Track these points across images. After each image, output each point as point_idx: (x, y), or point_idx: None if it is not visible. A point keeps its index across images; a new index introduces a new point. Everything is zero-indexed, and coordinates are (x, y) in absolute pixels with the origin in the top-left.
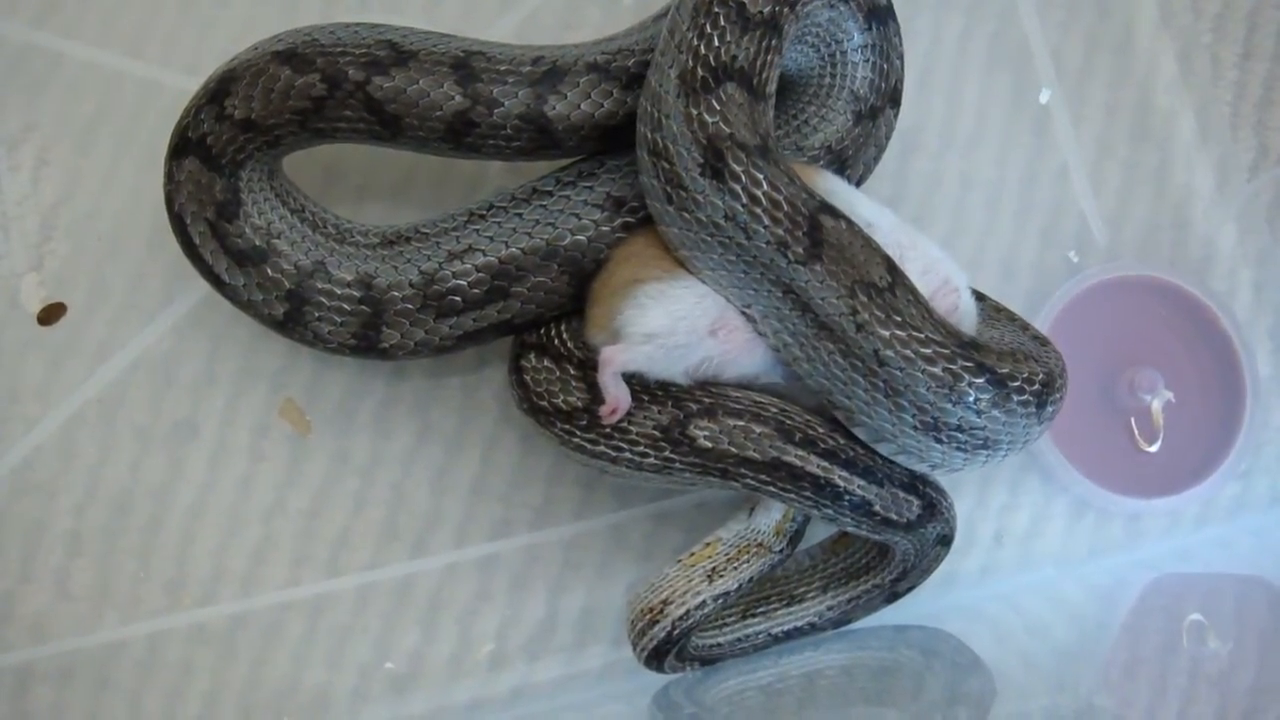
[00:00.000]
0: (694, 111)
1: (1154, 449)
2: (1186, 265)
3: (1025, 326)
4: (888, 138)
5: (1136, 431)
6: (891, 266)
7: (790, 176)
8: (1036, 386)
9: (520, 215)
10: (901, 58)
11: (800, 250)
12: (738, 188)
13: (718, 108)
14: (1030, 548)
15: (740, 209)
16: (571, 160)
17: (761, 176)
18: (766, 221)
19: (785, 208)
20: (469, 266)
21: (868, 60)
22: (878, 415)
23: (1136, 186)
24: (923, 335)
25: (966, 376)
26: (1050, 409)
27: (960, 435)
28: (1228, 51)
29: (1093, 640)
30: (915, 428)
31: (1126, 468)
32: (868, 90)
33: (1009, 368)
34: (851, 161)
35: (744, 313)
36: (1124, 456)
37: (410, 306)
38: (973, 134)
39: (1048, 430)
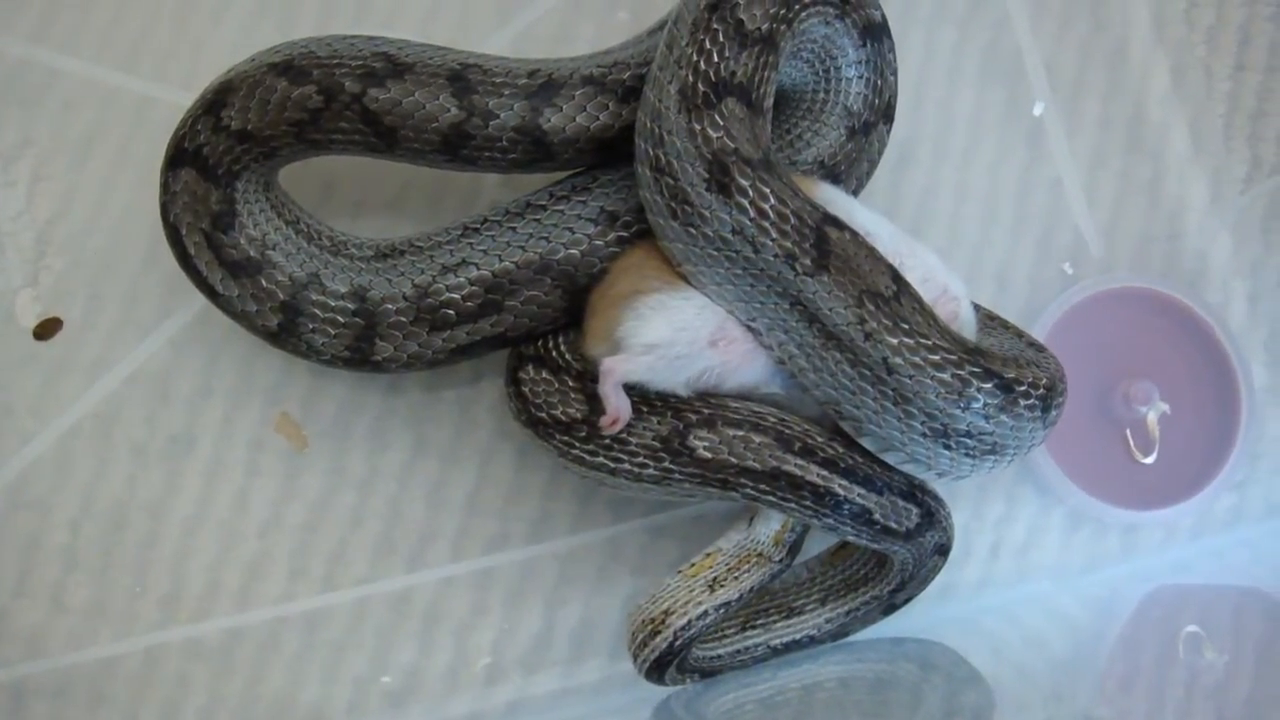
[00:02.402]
0: (697, 127)
1: (1150, 461)
2: (1181, 277)
3: (1020, 334)
4: (880, 153)
5: (1132, 443)
6: (896, 276)
7: (794, 189)
8: (1041, 391)
9: (514, 229)
10: (895, 74)
11: (808, 262)
12: (745, 202)
13: (720, 122)
14: (1027, 560)
15: (748, 223)
16: (566, 174)
17: (768, 190)
18: (774, 234)
19: (792, 220)
20: (462, 280)
21: (862, 76)
22: (886, 424)
23: (1130, 198)
24: (930, 342)
25: (975, 382)
26: (1054, 413)
27: (969, 441)
28: (1221, 64)
29: (1090, 652)
30: (924, 435)
31: (1122, 480)
32: (861, 106)
33: (1014, 373)
34: (844, 176)
35: (748, 326)
36: (1120, 468)
37: (403, 319)
38: (967, 147)
39: (1050, 435)
